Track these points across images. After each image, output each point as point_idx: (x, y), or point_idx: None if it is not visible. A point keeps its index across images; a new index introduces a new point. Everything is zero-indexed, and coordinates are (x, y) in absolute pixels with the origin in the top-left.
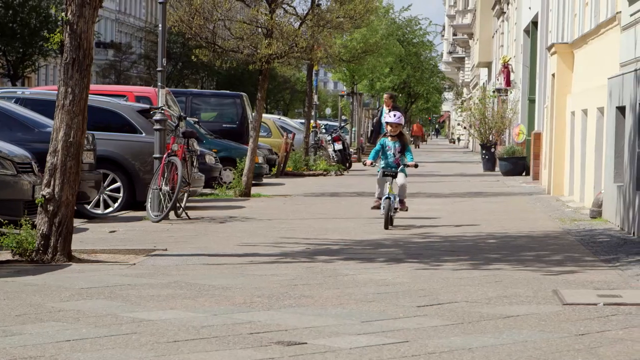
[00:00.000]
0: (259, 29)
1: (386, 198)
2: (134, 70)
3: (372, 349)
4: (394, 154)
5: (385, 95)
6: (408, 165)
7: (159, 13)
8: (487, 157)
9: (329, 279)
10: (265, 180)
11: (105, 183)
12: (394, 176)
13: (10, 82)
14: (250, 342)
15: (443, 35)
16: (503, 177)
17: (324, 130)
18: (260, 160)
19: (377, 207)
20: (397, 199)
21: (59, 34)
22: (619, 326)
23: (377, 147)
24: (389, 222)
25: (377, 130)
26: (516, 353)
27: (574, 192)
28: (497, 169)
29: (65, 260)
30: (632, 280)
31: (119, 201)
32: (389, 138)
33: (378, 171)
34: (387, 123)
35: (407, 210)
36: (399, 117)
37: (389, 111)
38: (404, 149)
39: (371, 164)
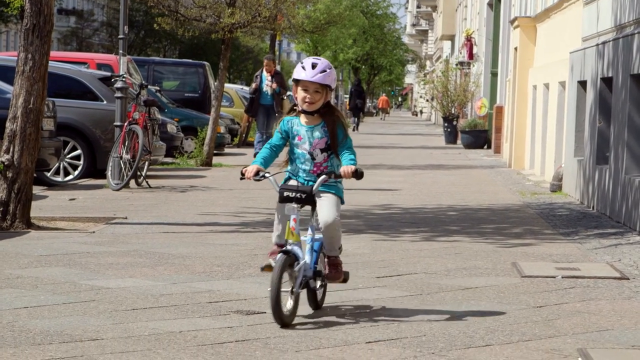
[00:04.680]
0: None
1: (289, 250)
2: (96, 37)
3: (331, 318)
4: (311, 152)
5: (265, 60)
6: (341, 177)
7: None
8: (449, 129)
9: None
10: (227, 150)
11: (66, 150)
12: (311, 202)
13: None
14: (210, 310)
15: (407, 8)
16: (465, 150)
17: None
18: (222, 130)
19: (272, 268)
20: (322, 257)
21: None
22: (577, 299)
23: (275, 137)
24: (313, 301)
25: (256, 102)
26: (474, 324)
27: (534, 165)
28: (459, 142)
29: (24, 228)
30: (590, 253)
31: (79, 169)
32: (301, 117)
33: (277, 189)
34: (297, 83)
35: (343, 279)
36: (325, 73)
37: (272, 79)
38: (335, 141)
39: (257, 174)
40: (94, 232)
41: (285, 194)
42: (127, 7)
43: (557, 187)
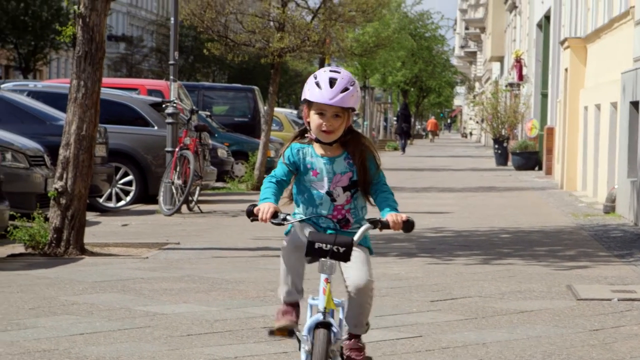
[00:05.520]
0: (271, 23)
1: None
2: (146, 63)
3: (386, 343)
4: (331, 192)
5: None
6: (388, 227)
7: (170, 6)
8: (499, 151)
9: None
10: None
11: (118, 176)
12: (338, 257)
13: (22, 75)
14: (264, 336)
15: (455, 30)
16: (515, 171)
17: None
18: (272, 153)
19: (285, 331)
20: (344, 326)
21: (71, 27)
22: (634, 322)
23: (280, 170)
24: None
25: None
26: (530, 348)
27: (586, 187)
28: (509, 163)
29: (78, 254)
30: None
31: (131, 194)
32: (316, 147)
33: (286, 233)
34: (309, 104)
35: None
36: (347, 93)
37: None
38: (366, 177)
39: (274, 215)
40: (147, 257)
41: (317, 245)
42: (177, 32)
43: (610, 208)
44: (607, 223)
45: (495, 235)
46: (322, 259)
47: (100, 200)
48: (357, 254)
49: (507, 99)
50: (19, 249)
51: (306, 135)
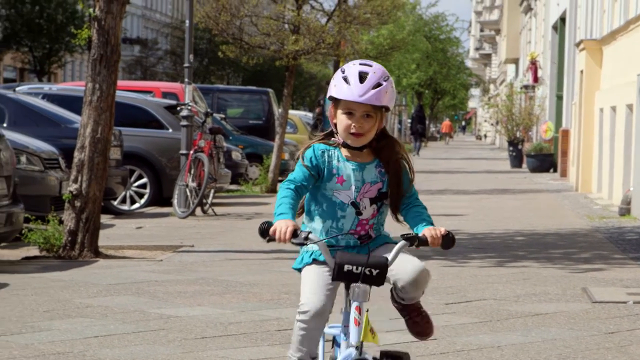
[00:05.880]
0: (286, 25)
1: None
2: (160, 66)
3: (400, 346)
4: (357, 203)
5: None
6: (426, 243)
7: (185, 9)
8: (514, 153)
9: None
10: None
11: (132, 179)
12: (370, 280)
13: (36, 78)
14: (279, 338)
15: (470, 32)
16: (530, 174)
17: None
18: (286, 156)
19: None
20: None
21: (86, 29)
22: None
23: (299, 172)
24: None
25: (320, 129)
26: (545, 351)
27: (602, 189)
28: (524, 166)
29: (93, 257)
30: None
31: (145, 197)
32: (343, 150)
33: (302, 257)
34: (336, 102)
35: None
36: (380, 89)
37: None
38: (399, 191)
39: (294, 234)
40: (161, 260)
41: (347, 267)
42: (192, 35)
43: (625, 210)
44: (622, 225)
45: (510, 237)
46: (353, 284)
47: (115, 203)
48: (392, 247)
49: (522, 101)
50: (33, 251)
51: (333, 139)
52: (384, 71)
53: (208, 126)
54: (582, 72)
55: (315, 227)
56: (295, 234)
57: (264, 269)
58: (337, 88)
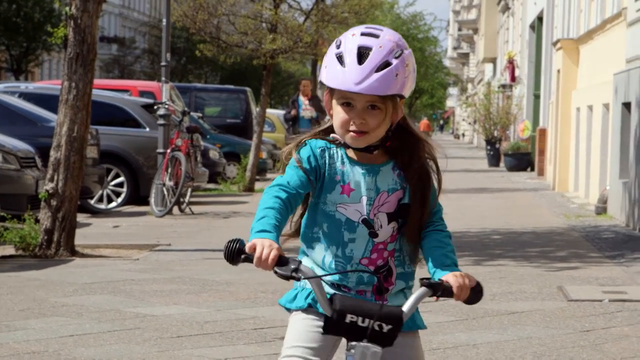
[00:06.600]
0: (263, 24)
1: None
2: (138, 65)
3: None
4: (370, 220)
5: (302, 81)
6: (444, 292)
7: (162, 8)
8: (491, 152)
9: None
10: (269, 176)
11: (109, 178)
12: (378, 338)
13: (13, 77)
14: (255, 337)
15: (448, 31)
16: (508, 172)
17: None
18: (264, 155)
19: None
20: None
21: (62, 28)
22: (624, 322)
23: (293, 175)
24: None
25: (294, 130)
26: (521, 349)
27: (579, 188)
28: (501, 164)
29: (69, 255)
30: (637, 276)
31: (122, 196)
32: (348, 151)
33: (295, 295)
34: (331, 90)
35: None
36: (388, 71)
37: (309, 103)
38: (425, 208)
39: (280, 261)
40: (137, 259)
41: (350, 318)
42: (169, 34)
43: (602, 209)
44: (598, 224)
45: (487, 236)
46: (358, 343)
47: (92, 202)
48: (409, 347)
49: (500, 100)
50: (9, 250)
51: (333, 135)
52: (397, 42)
53: (185, 125)
54: (559, 71)
55: (316, 257)
56: (281, 261)
57: (241, 268)
58: (328, 71)
